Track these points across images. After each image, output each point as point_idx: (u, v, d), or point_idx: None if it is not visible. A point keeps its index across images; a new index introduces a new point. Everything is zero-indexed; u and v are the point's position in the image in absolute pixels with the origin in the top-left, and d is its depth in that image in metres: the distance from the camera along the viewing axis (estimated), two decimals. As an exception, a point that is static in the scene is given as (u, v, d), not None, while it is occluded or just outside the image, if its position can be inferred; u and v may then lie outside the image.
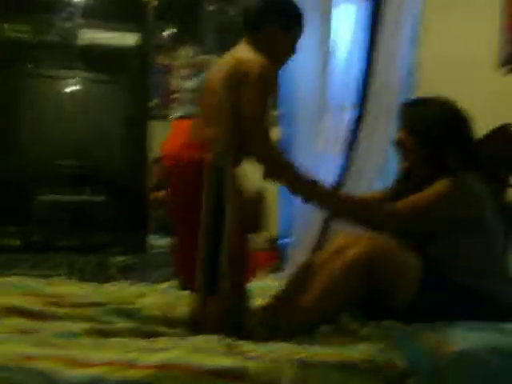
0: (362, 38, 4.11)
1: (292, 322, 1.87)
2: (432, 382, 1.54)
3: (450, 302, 1.86)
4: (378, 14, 3.95)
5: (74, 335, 1.73)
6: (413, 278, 1.86)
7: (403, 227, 1.99)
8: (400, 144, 2.13)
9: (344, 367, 1.51)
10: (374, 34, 3.97)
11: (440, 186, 1.99)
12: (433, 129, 2.08)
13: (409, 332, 1.69)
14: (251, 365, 1.49)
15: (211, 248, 1.82)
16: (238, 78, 1.89)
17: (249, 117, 1.88)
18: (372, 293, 1.86)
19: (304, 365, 1.51)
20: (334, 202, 2.08)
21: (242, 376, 1.46)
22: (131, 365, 1.46)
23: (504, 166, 2.33)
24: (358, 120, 3.95)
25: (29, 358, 1.47)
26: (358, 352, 1.58)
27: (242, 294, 1.92)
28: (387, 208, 2.02)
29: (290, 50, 2.14)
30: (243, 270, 1.91)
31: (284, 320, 1.88)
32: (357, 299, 1.87)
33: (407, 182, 2.15)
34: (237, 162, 1.94)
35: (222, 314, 1.86)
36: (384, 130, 3.84)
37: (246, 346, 1.63)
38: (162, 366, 1.46)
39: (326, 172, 4.16)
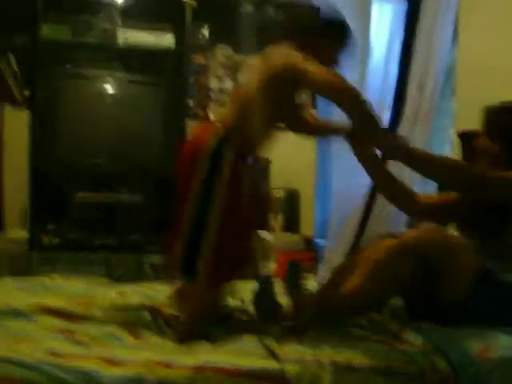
0: (399, 38, 4.08)
1: (338, 308, 1.85)
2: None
3: (501, 307, 1.82)
4: (416, 14, 3.91)
5: (112, 336, 1.74)
6: (467, 278, 1.82)
7: (492, 193, 1.95)
8: (483, 150, 2.09)
9: (385, 371, 1.49)
10: (411, 35, 3.93)
11: None
12: None
13: (452, 336, 1.66)
14: (290, 368, 1.48)
15: (192, 235, 1.81)
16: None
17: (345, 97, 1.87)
18: (418, 288, 1.83)
19: (343, 368, 1.49)
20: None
21: (281, 378, 1.45)
22: (169, 365, 1.46)
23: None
24: (395, 121, 3.92)
25: (69, 356, 1.48)
26: (399, 355, 1.56)
27: (216, 289, 1.89)
28: (479, 172, 1.98)
29: (331, 60, 2.11)
30: (226, 265, 1.86)
31: (330, 308, 1.87)
32: (402, 285, 1.83)
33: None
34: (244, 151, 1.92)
35: (194, 302, 1.85)
36: (421, 133, 3.80)
37: (284, 348, 1.62)
38: (199, 368, 1.46)
39: (363, 173, 4.14)
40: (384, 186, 2.24)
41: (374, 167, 2.18)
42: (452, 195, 2.22)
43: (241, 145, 1.86)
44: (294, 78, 1.87)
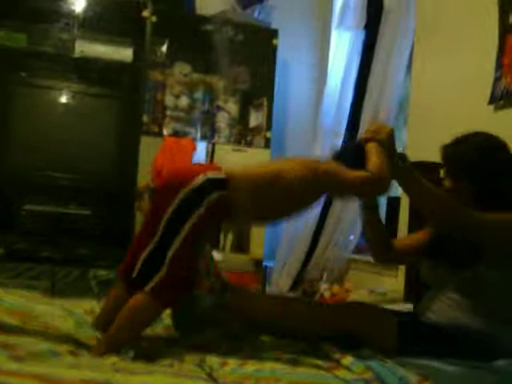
0: (356, 65, 4.16)
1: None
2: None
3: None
4: (373, 43, 3.99)
5: (49, 352, 1.70)
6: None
7: (485, 236, 1.95)
8: (452, 192, 2.10)
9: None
10: (368, 63, 4.02)
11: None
12: (478, 166, 2.04)
13: (392, 365, 1.67)
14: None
15: (157, 250, 1.82)
16: None
17: None
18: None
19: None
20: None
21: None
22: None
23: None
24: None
25: (4, 373, 1.45)
26: (340, 382, 1.56)
27: (163, 307, 1.90)
28: (477, 213, 1.93)
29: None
30: (180, 286, 1.86)
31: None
32: None
33: None
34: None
35: (137, 313, 1.84)
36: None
37: (223, 370, 1.62)
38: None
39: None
40: (370, 230, 2.24)
41: (372, 216, 2.20)
42: (424, 232, 2.25)
43: (231, 203, 1.84)
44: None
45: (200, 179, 1.82)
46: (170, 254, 1.79)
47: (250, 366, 1.66)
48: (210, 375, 1.57)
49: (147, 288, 1.80)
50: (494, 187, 2.03)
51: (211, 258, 2.25)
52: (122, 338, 1.82)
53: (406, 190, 2.02)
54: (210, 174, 1.85)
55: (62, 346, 1.78)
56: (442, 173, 2.21)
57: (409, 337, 1.90)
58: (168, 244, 1.80)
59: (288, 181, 1.87)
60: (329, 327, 1.93)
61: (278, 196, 1.88)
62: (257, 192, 1.87)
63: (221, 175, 1.86)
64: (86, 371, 1.53)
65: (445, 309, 2.01)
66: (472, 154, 2.05)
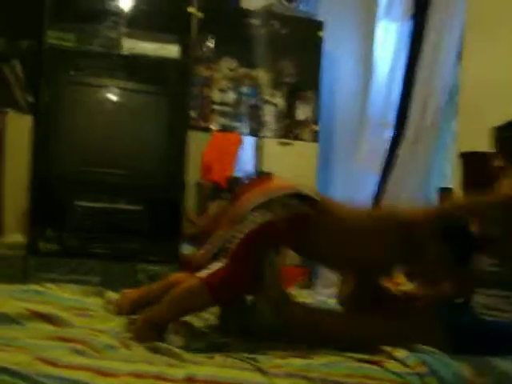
0: (404, 56, 4.09)
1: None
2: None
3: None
4: (421, 32, 3.92)
5: (105, 345, 1.72)
6: None
7: None
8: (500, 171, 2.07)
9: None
10: (416, 53, 3.95)
11: None
12: None
13: (445, 359, 1.64)
14: (279, 382, 1.47)
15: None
16: None
17: None
18: None
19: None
20: None
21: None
22: (158, 377, 1.46)
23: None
24: (398, 138, 3.93)
25: (60, 365, 1.47)
26: (392, 375, 1.54)
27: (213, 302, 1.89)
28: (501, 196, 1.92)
29: None
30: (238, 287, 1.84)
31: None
32: None
33: None
34: None
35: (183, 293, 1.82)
36: (423, 152, 3.81)
37: (271, 362, 1.62)
38: (189, 379, 1.45)
39: (363, 188, 4.15)
40: None
41: None
42: None
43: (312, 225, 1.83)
44: None
45: (291, 189, 1.83)
46: (233, 246, 1.77)
47: (298, 361, 1.65)
48: (260, 369, 1.56)
49: (202, 274, 1.79)
50: None
51: (278, 269, 2.19)
52: (165, 318, 1.82)
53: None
54: (303, 189, 1.85)
55: (114, 339, 1.80)
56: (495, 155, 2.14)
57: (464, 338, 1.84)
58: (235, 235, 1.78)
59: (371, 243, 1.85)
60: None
61: (355, 248, 1.85)
62: (341, 230, 1.85)
63: (314, 195, 1.85)
64: (139, 364, 1.55)
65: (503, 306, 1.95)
66: None
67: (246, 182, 4.32)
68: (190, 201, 4.29)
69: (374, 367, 1.60)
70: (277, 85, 4.41)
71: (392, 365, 1.62)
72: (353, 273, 1.96)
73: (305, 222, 1.79)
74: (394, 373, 1.56)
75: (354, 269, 1.94)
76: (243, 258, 1.78)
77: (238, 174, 4.61)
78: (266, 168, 4.69)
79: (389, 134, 4.07)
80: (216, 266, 1.78)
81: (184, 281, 1.88)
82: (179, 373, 1.48)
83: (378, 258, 1.89)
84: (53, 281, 2.73)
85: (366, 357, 1.68)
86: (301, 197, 1.83)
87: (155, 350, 1.69)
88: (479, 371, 1.57)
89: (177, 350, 1.68)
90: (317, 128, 4.38)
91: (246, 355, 1.66)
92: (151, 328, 1.79)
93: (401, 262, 1.93)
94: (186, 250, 4.17)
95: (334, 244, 1.85)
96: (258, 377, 1.49)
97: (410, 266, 1.99)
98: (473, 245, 1.87)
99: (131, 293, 2.19)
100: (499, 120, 3.03)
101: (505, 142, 2.08)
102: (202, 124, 4.21)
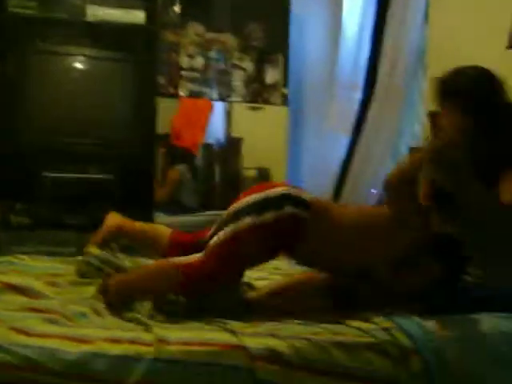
0: (372, 17, 4.08)
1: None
2: (436, 362, 1.52)
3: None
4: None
5: (78, 313, 1.73)
6: None
7: None
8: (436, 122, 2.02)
9: (346, 345, 1.50)
10: (384, 14, 3.94)
11: None
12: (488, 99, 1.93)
13: (413, 316, 1.67)
14: (248, 340, 1.49)
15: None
16: None
17: None
18: None
19: (304, 341, 1.50)
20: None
21: (243, 348, 1.46)
22: (133, 342, 1.47)
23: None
24: (367, 99, 3.94)
25: (34, 334, 1.47)
26: (360, 332, 1.57)
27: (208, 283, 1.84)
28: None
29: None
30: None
31: None
32: None
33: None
34: None
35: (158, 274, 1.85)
36: (393, 110, 3.83)
37: (239, 325, 1.63)
38: (162, 341, 1.47)
39: (334, 151, 4.17)
40: None
41: None
42: None
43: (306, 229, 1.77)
44: None
45: (280, 190, 1.78)
46: (213, 241, 1.74)
47: (269, 324, 1.67)
48: (229, 330, 1.58)
49: (180, 261, 1.78)
50: (500, 127, 1.89)
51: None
52: (134, 291, 1.82)
53: None
54: (293, 191, 1.80)
55: (87, 307, 1.80)
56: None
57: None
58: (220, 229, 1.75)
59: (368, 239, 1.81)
60: None
61: (354, 247, 1.80)
62: (337, 232, 1.80)
63: (305, 197, 1.81)
64: (114, 330, 1.55)
65: None
66: (481, 87, 1.96)
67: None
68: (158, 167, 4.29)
69: (342, 326, 1.62)
70: (245, 49, 4.38)
71: (355, 323, 1.64)
72: (351, 275, 1.92)
73: (298, 225, 1.75)
74: (360, 329, 1.58)
75: (352, 271, 1.89)
76: (223, 258, 1.74)
77: (208, 139, 4.60)
78: (236, 133, 4.69)
79: (358, 95, 4.07)
80: (193, 257, 1.77)
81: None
82: (152, 336, 1.49)
83: (377, 258, 1.86)
84: (26, 253, 2.71)
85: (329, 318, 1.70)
86: (295, 199, 1.79)
87: (127, 319, 1.70)
88: (445, 325, 1.60)
89: (147, 320, 1.69)
90: (286, 91, 4.37)
91: (217, 319, 1.68)
92: (122, 297, 1.80)
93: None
94: (158, 217, 4.18)
95: (329, 248, 1.80)
96: (227, 336, 1.51)
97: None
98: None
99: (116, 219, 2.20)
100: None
101: (455, 93, 1.98)
102: (171, 90, 4.17)
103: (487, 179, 1.82)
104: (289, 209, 1.74)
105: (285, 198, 1.77)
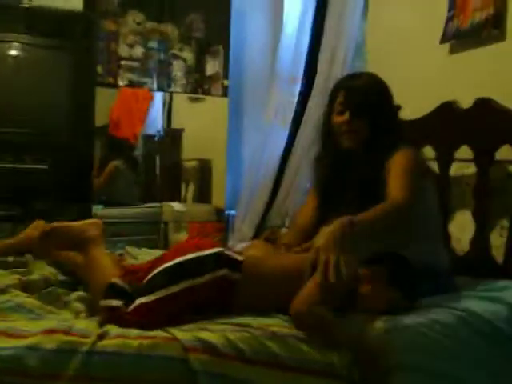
0: (312, 12, 4.10)
1: None
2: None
3: None
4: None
5: (13, 307, 1.70)
6: None
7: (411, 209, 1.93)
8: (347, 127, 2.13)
9: (278, 335, 1.52)
10: (323, 9, 3.97)
11: (404, 157, 2.02)
12: (380, 104, 2.15)
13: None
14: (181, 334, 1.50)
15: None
16: None
17: None
18: None
19: (237, 333, 1.52)
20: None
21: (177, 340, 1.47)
22: (67, 332, 1.46)
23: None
24: (307, 92, 3.97)
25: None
26: (285, 321, 1.59)
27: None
28: (391, 203, 1.92)
29: None
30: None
31: None
32: None
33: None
34: None
35: None
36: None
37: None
38: (102, 335, 1.47)
39: (274, 143, 4.18)
40: None
41: None
42: None
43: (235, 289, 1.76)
44: None
45: (214, 250, 1.78)
46: (141, 301, 1.69)
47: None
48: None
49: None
50: (387, 125, 2.12)
51: None
52: None
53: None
54: (227, 251, 1.82)
55: (24, 298, 1.78)
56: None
57: None
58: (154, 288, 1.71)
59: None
60: None
61: (279, 294, 1.77)
62: (265, 287, 1.79)
63: (238, 257, 1.81)
64: (48, 321, 1.54)
65: None
66: (375, 94, 2.15)
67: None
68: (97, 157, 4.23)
69: (276, 319, 1.65)
70: (186, 39, 4.35)
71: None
72: None
73: (229, 287, 1.75)
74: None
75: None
76: (154, 315, 1.68)
77: (148, 131, 4.57)
78: (176, 124, 4.67)
79: (298, 88, 4.10)
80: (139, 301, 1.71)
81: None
82: (90, 328, 1.49)
83: None
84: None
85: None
86: (228, 260, 1.80)
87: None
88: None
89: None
90: (227, 83, 4.37)
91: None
92: None
93: None
94: (97, 209, 4.13)
95: (261, 302, 1.78)
96: (160, 332, 1.53)
97: None
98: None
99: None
100: (405, 71, 3.12)
101: (357, 96, 2.14)
102: (110, 80, 4.11)
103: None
104: (222, 271, 1.74)
105: (218, 260, 1.77)
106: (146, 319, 1.61)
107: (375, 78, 2.23)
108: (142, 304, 1.66)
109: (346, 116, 2.13)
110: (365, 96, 2.13)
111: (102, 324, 1.60)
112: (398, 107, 2.35)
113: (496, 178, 2.32)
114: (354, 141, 2.14)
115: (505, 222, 2.28)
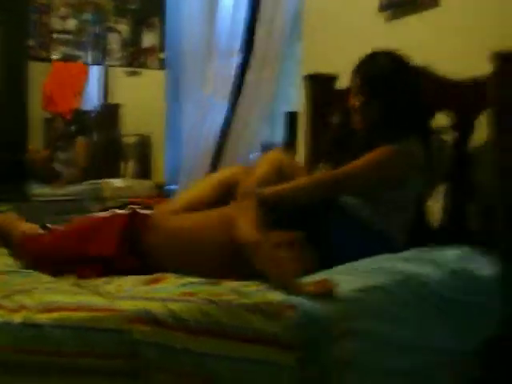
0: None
1: None
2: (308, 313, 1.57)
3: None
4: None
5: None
6: None
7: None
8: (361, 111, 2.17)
9: (221, 305, 1.52)
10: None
11: (376, 153, 2.07)
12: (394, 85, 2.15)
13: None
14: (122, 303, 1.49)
15: None
16: None
17: None
18: None
19: (180, 302, 1.52)
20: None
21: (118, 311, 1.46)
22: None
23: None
24: (244, 64, 3.95)
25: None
26: (232, 293, 1.59)
27: None
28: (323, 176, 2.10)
29: None
30: None
31: None
32: None
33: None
34: None
35: None
36: (269, 77, 3.86)
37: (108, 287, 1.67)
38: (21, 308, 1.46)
39: (213, 116, 4.16)
40: None
41: None
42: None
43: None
44: None
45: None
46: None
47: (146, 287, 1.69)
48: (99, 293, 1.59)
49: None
50: (401, 107, 2.14)
51: None
52: None
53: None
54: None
55: None
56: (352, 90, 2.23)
57: None
58: None
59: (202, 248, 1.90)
60: None
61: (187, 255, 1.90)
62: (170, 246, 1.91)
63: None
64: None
65: None
66: (388, 73, 2.15)
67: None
68: (38, 137, 4.12)
69: (219, 287, 1.65)
70: (121, 11, 4.26)
71: (235, 284, 1.67)
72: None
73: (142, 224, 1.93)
74: (236, 290, 1.61)
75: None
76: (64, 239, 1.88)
77: (84, 105, 4.47)
78: (113, 99, 4.59)
79: (236, 61, 4.08)
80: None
81: None
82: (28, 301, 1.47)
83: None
84: None
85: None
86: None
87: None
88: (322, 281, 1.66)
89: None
90: (163, 56, 4.30)
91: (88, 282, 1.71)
92: None
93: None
94: (35, 188, 4.04)
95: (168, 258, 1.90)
96: (100, 300, 1.52)
97: None
98: None
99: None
100: (341, 44, 3.13)
101: (367, 78, 2.18)
102: (42, 54, 3.99)
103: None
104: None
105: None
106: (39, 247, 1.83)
107: (392, 59, 2.20)
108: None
109: (356, 99, 2.17)
110: (374, 82, 2.16)
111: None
112: (417, 91, 2.24)
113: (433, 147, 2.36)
114: (361, 124, 2.19)
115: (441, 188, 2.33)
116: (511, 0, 2.28)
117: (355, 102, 2.18)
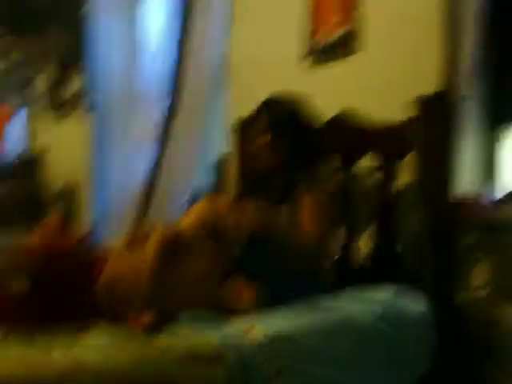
0: (175, 30, 4.07)
1: None
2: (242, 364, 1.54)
3: None
4: (190, 9, 3.93)
5: None
6: None
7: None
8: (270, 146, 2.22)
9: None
10: (186, 28, 3.95)
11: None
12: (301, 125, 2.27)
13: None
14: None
15: None
16: None
17: None
18: None
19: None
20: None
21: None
22: None
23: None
24: (170, 111, 3.93)
25: None
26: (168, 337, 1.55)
27: None
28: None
29: None
30: None
31: None
32: None
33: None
34: None
35: None
36: (196, 126, 3.86)
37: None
38: None
39: (139, 162, 4.10)
40: None
41: None
42: None
43: None
44: None
45: None
46: None
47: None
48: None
49: None
50: (306, 145, 2.24)
51: None
52: None
53: None
54: None
55: None
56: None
57: None
58: None
59: None
60: None
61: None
62: None
63: None
64: None
65: None
66: (297, 114, 2.28)
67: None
68: None
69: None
70: (47, 55, 4.21)
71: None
72: None
73: None
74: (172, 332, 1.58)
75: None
76: None
77: (7, 151, 4.36)
78: (38, 144, 4.49)
79: (162, 106, 4.06)
80: None
81: None
82: None
83: None
84: None
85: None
86: None
87: None
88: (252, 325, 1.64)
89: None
90: (89, 101, 4.25)
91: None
92: None
93: None
94: None
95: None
96: None
97: None
98: None
99: None
100: (268, 87, 3.18)
101: (278, 117, 2.25)
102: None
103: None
104: None
105: None
106: None
107: (292, 100, 2.32)
108: None
109: (264, 138, 2.23)
110: (283, 119, 2.26)
111: None
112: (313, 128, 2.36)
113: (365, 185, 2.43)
114: (272, 162, 2.23)
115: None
116: (426, 45, 2.39)
117: (263, 140, 2.24)
